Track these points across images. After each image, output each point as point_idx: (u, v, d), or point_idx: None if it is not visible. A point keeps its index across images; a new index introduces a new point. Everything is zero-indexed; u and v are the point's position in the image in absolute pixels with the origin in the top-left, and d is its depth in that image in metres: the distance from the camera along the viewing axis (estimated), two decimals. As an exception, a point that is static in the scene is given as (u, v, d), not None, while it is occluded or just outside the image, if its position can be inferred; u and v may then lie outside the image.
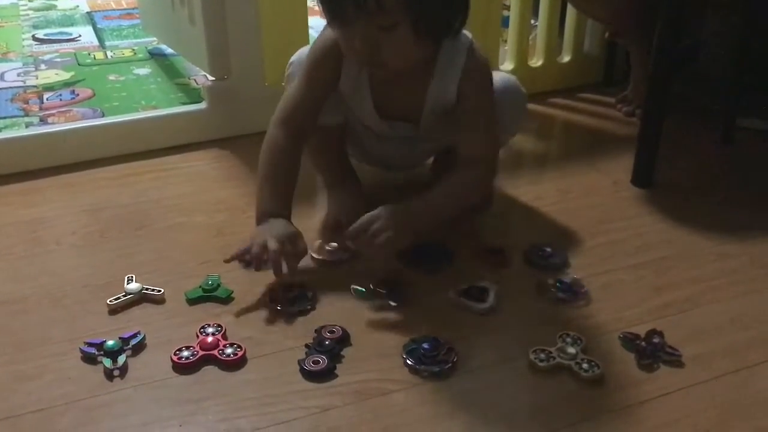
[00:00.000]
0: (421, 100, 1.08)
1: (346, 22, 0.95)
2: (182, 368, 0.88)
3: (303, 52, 1.14)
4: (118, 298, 1.00)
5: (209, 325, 0.94)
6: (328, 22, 0.99)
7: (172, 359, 0.89)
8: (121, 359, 0.89)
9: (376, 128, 1.15)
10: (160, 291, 1.01)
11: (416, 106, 1.09)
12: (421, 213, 1.05)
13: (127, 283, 1.02)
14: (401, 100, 1.10)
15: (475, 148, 1.07)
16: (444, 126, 1.10)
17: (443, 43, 1.03)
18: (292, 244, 1.01)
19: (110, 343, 0.90)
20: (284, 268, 0.99)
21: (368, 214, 1.01)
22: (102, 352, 0.90)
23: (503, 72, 1.22)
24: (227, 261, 1.03)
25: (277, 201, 1.06)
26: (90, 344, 0.91)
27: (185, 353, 0.90)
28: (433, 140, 1.17)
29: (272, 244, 0.99)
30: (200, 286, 1.02)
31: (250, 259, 1.01)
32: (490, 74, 1.09)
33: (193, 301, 1.00)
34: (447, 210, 1.08)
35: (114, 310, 0.99)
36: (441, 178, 1.09)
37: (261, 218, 1.05)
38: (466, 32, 1.05)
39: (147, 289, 1.01)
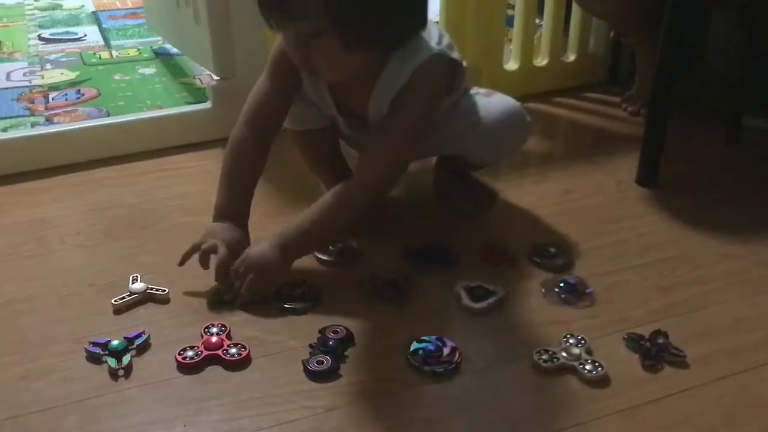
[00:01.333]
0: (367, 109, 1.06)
1: (278, 26, 0.95)
2: (186, 368, 0.89)
3: None
4: (123, 297, 1.00)
5: (213, 325, 0.95)
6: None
7: (176, 359, 0.89)
8: (126, 359, 0.89)
9: (345, 132, 1.14)
10: (164, 291, 1.01)
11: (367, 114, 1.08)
12: (290, 245, 1.01)
13: (132, 283, 1.02)
14: (356, 106, 1.08)
15: (364, 169, 1.03)
16: None
17: (393, 56, 0.99)
18: (236, 254, 1.02)
19: (115, 342, 0.91)
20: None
21: (241, 257, 1.01)
22: (107, 352, 0.90)
23: (510, 98, 1.16)
24: (181, 264, 1.03)
25: (236, 203, 1.07)
26: (95, 344, 0.91)
27: (189, 353, 0.90)
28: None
29: (221, 252, 1.00)
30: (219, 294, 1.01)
31: (199, 257, 1.02)
32: (430, 97, 1.02)
33: (214, 306, 1.00)
34: (320, 237, 1.04)
35: (119, 310, 0.99)
36: (319, 200, 1.03)
37: (217, 217, 1.06)
38: (434, 47, 1.01)
39: (152, 288, 1.01)
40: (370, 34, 0.95)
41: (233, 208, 1.07)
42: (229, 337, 0.93)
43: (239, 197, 1.07)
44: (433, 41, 1.03)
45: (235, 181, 1.08)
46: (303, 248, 1.04)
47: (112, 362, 0.89)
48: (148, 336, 0.93)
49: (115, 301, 0.99)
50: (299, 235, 1.01)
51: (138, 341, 0.92)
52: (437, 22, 1.19)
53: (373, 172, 1.03)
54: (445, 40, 1.05)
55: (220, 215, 1.06)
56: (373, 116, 1.06)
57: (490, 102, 1.14)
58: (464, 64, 1.08)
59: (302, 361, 0.89)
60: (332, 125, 1.16)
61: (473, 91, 1.16)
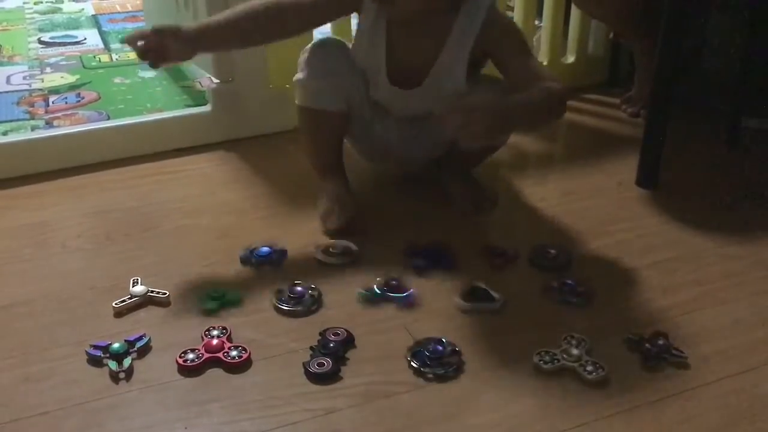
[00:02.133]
0: (435, 53, 1.12)
1: None
2: (187, 371, 0.89)
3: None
4: (124, 300, 1.00)
5: (214, 328, 0.95)
6: None
7: (177, 362, 0.89)
8: (127, 362, 0.89)
9: (382, 92, 1.16)
10: (165, 293, 1.01)
11: (427, 61, 1.13)
12: (510, 111, 1.02)
13: (133, 286, 1.02)
14: (415, 53, 1.13)
15: (534, 71, 1.10)
16: (447, 89, 1.12)
17: (462, 4, 1.10)
18: (167, 38, 1.08)
19: (116, 345, 0.91)
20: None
21: (465, 100, 0.99)
22: (108, 355, 0.90)
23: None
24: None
25: (207, 24, 1.11)
26: (96, 347, 0.91)
27: (190, 356, 0.90)
28: (434, 129, 1.17)
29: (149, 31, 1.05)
30: (211, 297, 1.01)
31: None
32: (515, 25, 1.18)
33: (209, 312, 0.99)
34: (526, 116, 1.06)
35: (119, 313, 0.99)
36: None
37: (191, 32, 1.10)
38: None
39: (152, 291, 1.01)
40: None
41: (206, 34, 1.09)
42: (229, 339, 0.93)
43: (212, 26, 1.10)
44: None
45: (229, 21, 1.10)
46: (516, 123, 1.07)
47: (113, 365, 0.89)
48: (149, 339, 0.93)
49: (115, 303, 0.99)
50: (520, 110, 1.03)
51: (139, 344, 0.92)
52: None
53: (549, 76, 1.09)
54: None
55: (194, 34, 1.09)
56: (445, 61, 1.12)
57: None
58: None
59: (303, 363, 0.89)
60: (343, 115, 1.17)
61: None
